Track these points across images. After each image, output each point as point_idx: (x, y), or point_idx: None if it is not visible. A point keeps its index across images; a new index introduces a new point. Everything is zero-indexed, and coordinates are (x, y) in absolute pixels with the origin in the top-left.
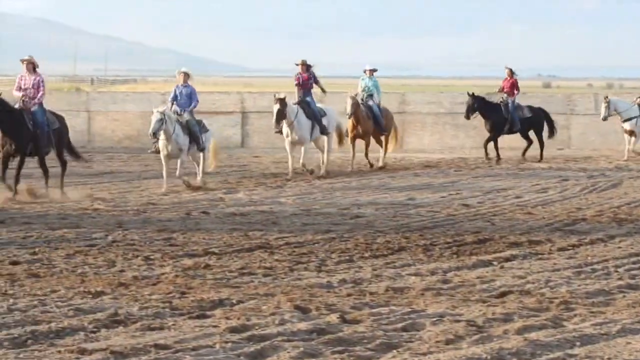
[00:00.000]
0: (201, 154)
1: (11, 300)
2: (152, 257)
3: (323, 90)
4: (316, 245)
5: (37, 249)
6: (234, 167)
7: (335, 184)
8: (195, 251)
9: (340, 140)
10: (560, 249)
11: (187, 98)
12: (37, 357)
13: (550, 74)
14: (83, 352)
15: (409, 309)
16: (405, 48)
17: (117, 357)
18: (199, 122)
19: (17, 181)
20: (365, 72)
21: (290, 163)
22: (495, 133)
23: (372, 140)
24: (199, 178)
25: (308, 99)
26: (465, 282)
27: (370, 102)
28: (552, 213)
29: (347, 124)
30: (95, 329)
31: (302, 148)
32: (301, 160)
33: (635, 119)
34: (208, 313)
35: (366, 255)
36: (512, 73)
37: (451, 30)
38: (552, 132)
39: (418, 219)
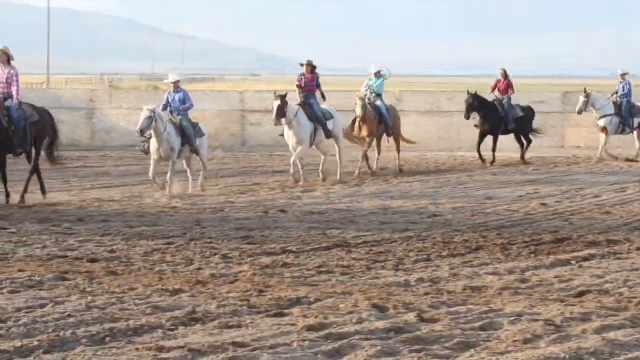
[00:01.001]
0: (198, 158)
1: (89, 298)
2: (229, 255)
3: (323, 96)
4: (394, 243)
5: (115, 247)
6: (311, 166)
7: (413, 182)
8: (273, 249)
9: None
10: (639, 249)
11: (180, 102)
12: (115, 354)
13: (633, 73)
14: (161, 349)
15: (487, 308)
16: (490, 47)
17: (194, 355)
18: (195, 125)
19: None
20: (371, 73)
21: (292, 164)
22: (492, 134)
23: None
24: (200, 180)
25: (311, 100)
26: (543, 281)
27: (378, 102)
28: (631, 212)
29: (355, 124)
30: (173, 327)
31: (297, 149)
32: (291, 159)
33: (609, 117)
34: (285, 311)
35: (444, 254)
36: (506, 75)
37: (535, 30)
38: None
39: (495, 218)
